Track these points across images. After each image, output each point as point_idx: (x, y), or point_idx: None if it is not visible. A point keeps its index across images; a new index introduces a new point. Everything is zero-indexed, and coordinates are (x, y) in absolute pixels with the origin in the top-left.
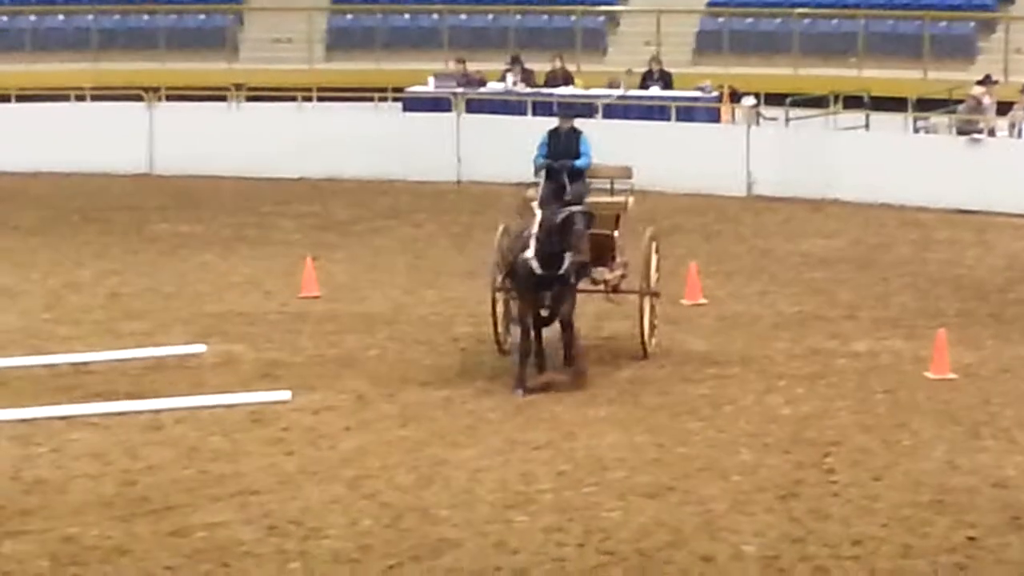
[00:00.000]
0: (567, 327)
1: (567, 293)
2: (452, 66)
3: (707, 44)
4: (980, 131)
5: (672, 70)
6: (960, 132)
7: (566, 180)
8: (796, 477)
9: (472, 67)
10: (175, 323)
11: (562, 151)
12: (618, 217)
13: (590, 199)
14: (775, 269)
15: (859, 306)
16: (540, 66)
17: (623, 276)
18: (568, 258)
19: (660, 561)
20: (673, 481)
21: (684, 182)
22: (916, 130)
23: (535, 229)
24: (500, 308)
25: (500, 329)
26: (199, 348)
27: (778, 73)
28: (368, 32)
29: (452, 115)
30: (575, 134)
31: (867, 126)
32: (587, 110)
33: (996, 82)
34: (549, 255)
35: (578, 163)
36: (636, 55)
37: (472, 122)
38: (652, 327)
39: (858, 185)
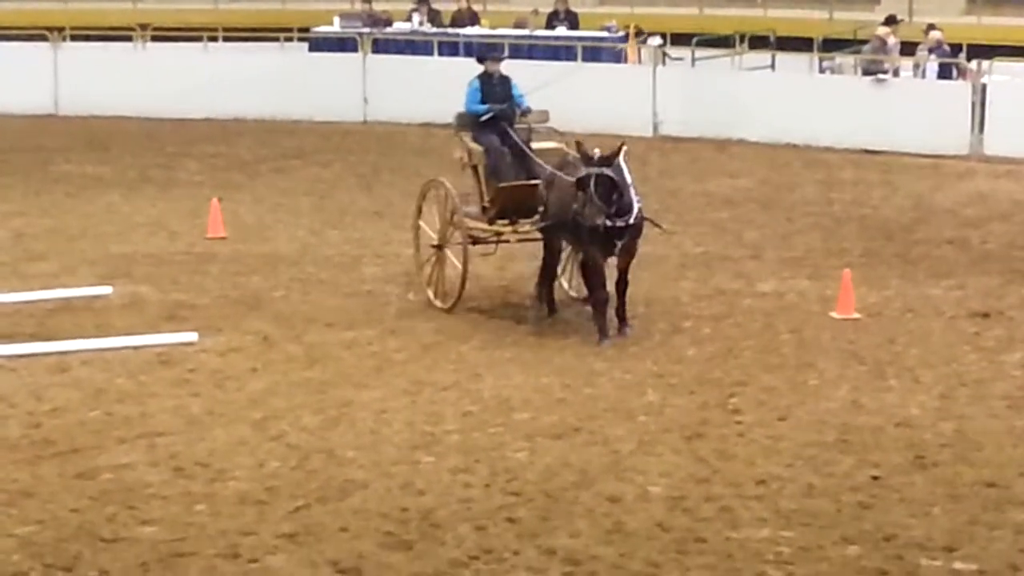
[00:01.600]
0: (626, 284)
1: (636, 242)
2: (358, 6)
3: None
4: (885, 71)
5: (578, 10)
6: (865, 72)
7: (507, 129)
8: (701, 417)
9: (378, 7)
10: (81, 265)
11: (499, 96)
12: None
13: (533, 145)
14: (681, 209)
15: (764, 246)
16: (446, 6)
17: None
18: (636, 205)
19: (566, 501)
20: (579, 422)
21: (590, 122)
22: (822, 70)
23: (592, 186)
24: (431, 268)
25: (428, 286)
26: (105, 290)
27: (684, 13)
28: None
29: (358, 55)
30: (505, 79)
31: (773, 66)
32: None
33: (901, 22)
34: (617, 206)
35: (524, 104)
36: None
37: (378, 62)
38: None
39: (764, 125)
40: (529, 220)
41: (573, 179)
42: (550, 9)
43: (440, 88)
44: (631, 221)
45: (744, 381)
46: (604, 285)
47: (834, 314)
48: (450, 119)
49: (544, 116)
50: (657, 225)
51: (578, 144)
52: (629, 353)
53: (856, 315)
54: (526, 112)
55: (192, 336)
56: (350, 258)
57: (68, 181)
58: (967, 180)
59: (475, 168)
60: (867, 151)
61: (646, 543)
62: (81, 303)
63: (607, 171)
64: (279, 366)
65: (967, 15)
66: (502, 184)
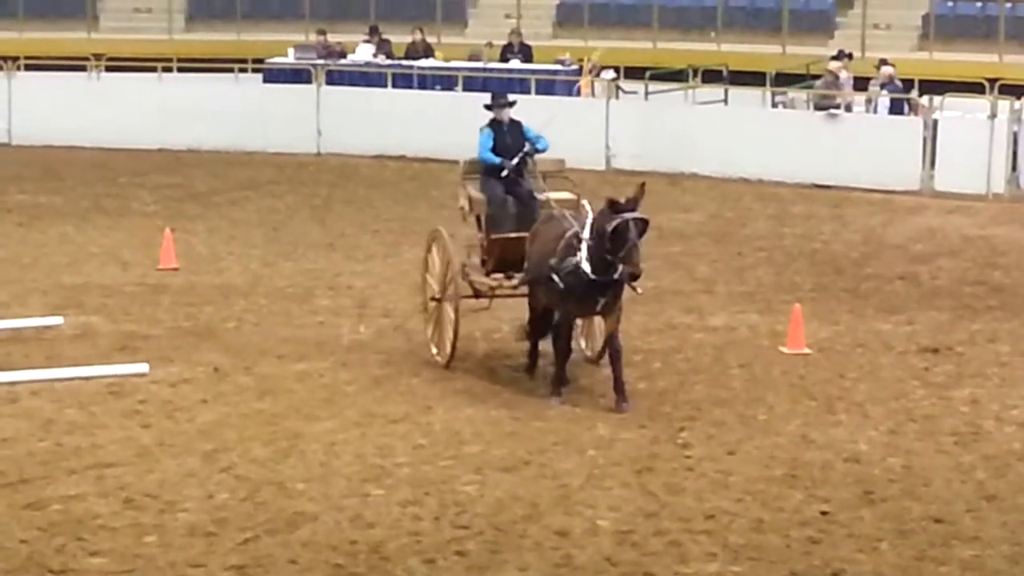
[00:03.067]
0: (617, 351)
1: (618, 301)
2: (313, 38)
3: (567, 17)
4: (837, 106)
5: (532, 43)
6: (817, 107)
7: (526, 176)
8: (651, 451)
9: (333, 39)
10: (32, 294)
11: (511, 143)
12: None
13: (541, 196)
14: None
15: (716, 280)
16: (401, 38)
17: None
18: (621, 266)
19: (515, 535)
20: (529, 455)
21: (544, 154)
22: (774, 105)
23: (586, 233)
24: (451, 318)
25: (435, 340)
26: (56, 320)
27: (637, 47)
28: (228, 3)
29: (312, 87)
30: (516, 124)
31: (726, 100)
32: (448, 82)
33: (852, 56)
34: (601, 260)
35: (540, 146)
36: (496, 27)
37: (332, 94)
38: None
39: (716, 159)
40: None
41: (608, 228)
42: (504, 42)
43: (394, 120)
44: (615, 276)
45: (694, 416)
46: (570, 338)
47: (784, 349)
48: (403, 151)
49: (558, 165)
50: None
51: (609, 201)
52: (579, 386)
53: (806, 350)
54: (544, 151)
55: (143, 367)
56: (302, 289)
57: (20, 211)
58: (918, 215)
59: (478, 218)
60: (818, 185)
61: None
62: (32, 333)
63: (638, 214)
64: (230, 398)
65: (919, 51)
66: (494, 236)
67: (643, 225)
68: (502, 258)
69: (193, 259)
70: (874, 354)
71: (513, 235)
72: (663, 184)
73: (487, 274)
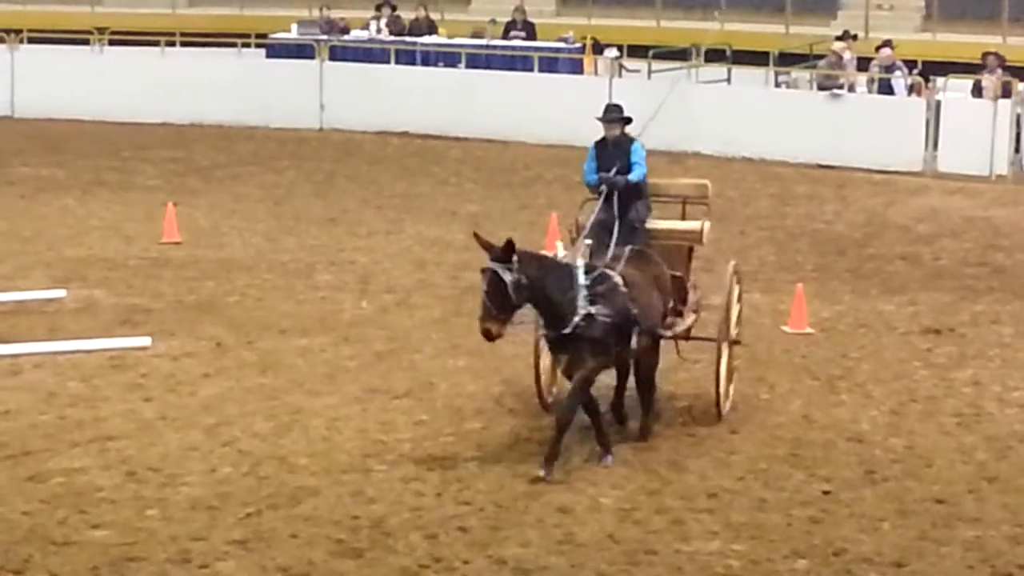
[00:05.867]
0: (569, 408)
1: (584, 354)
2: (316, 13)
3: None
4: (840, 86)
5: (535, 21)
6: (820, 87)
7: (615, 201)
8: (654, 430)
9: (336, 14)
10: (35, 267)
11: (612, 163)
12: (690, 251)
13: (657, 224)
14: None
15: (718, 260)
16: (404, 15)
17: (695, 317)
18: (583, 311)
19: (517, 511)
20: (530, 432)
21: (546, 133)
22: (777, 84)
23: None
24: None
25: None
26: (59, 293)
27: (641, 25)
28: None
29: (315, 62)
30: (626, 141)
31: (729, 80)
32: (451, 59)
33: (856, 37)
34: (551, 311)
35: (631, 177)
36: (500, 4)
37: (335, 69)
38: (729, 380)
39: (719, 138)
40: None
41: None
42: (508, 19)
43: (396, 96)
44: (565, 331)
45: (697, 394)
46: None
47: (786, 328)
48: (406, 128)
49: (701, 190)
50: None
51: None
52: None
53: (809, 330)
54: (636, 180)
55: (145, 340)
56: (305, 264)
57: (23, 183)
58: (920, 196)
59: None
60: (821, 166)
61: (596, 554)
62: (35, 306)
63: (494, 266)
64: (232, 372)
65: (923, 31)
66: None
67: (488, 274)
68: None
69: (195, 233)
70: (876, 334)
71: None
72: (666, 163)
73: None
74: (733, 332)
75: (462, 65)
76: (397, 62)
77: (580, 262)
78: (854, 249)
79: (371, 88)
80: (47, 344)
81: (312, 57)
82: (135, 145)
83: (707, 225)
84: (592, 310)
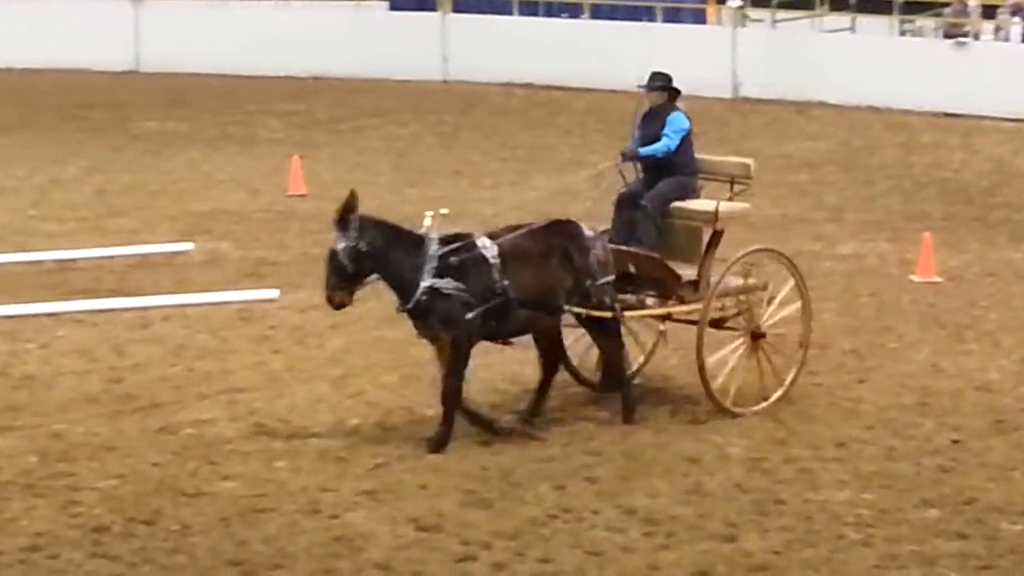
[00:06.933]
0: (452, 388)
1: (435, 330)
2: None
3: None
4: (966, 35)
5: None
6: (946, 35)
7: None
8: (780, 379)
9: None
10: (161, 221)
11: (647, 135)
12: (716, 234)
13: (680, 204)
14: (759, 171)
15: (844, 209)
16: None
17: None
18: (424, 284)
19: (645, 461)
20: (657, 383)
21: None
22: (902, 33)
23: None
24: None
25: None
26: (187, 246)
27: None
28: None
29: (438, 14)
30: (668, 110)
31: (853, 29)
32: (574, 11)
33: None
34: (393, 283)
35: (644, 149)
36: None
37: (458, 21)
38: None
39: (844, 87)
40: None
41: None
42: None
43: (520, 48)
44: (408, 305)
45: (824, 343)
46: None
47: (914, 277)
48: (530, 79)
49: (743, 169)
50: None
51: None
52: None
53: (936, 278)
54: (651, 153)
55: (273, 293)
56: None
57: (148, 138)
58: None
59: None
60: (947, 114)
61: (725, 504)
62: (161, 259)
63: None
64: (358, 323)
65: None
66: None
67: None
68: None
69: (320, 186)
70: (1005, 283)
71: (612, 247)
72: (790, 112)
73: None
74: (762, 324)
75: (586, 16)
76: (520, 13)
77: (434, 233)
78: (981, 198)
79: (495, 40)
80: (175, 297)
81: (435, 9)
82: (258, 99)
83: (732, 207)
84: (438, 283)
